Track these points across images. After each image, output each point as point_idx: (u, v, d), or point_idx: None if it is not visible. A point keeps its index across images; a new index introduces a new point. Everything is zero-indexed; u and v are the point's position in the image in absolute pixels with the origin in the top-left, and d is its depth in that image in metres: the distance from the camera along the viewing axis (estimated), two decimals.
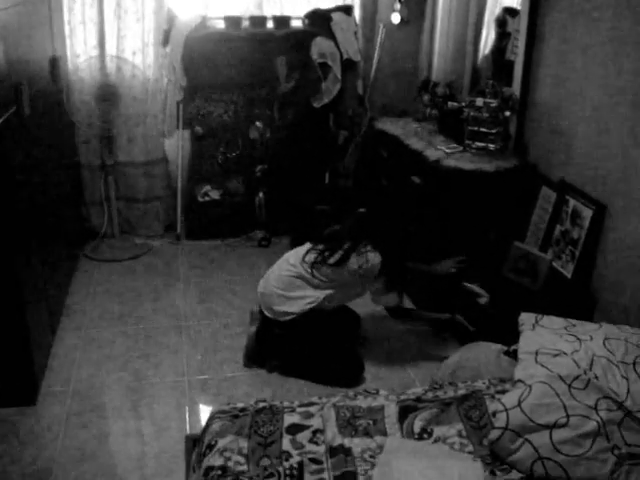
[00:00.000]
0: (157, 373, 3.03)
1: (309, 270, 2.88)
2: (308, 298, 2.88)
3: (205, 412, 2.76)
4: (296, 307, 2.88)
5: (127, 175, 4.43)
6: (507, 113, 3.40)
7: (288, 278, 2.93)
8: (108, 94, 4.00)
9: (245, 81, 4.32)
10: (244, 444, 1.89)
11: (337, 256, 2.84)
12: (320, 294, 2.88)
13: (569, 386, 1.90)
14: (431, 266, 3.18)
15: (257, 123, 4.39)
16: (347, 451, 1.86)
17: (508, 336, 2.47)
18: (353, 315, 3.29)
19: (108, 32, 4.09)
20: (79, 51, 4.10)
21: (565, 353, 2.09)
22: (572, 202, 2.97)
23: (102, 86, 4.00)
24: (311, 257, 2.90)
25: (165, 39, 4.17)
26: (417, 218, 3.17)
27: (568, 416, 1.82)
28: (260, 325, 3.06)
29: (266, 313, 2.98)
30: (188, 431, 2.63)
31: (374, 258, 2.81)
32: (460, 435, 1.94)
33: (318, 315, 2.90)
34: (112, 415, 2.74)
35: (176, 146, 4.46)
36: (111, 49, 4.12)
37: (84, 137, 4.26)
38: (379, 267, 2.81)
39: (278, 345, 3.02)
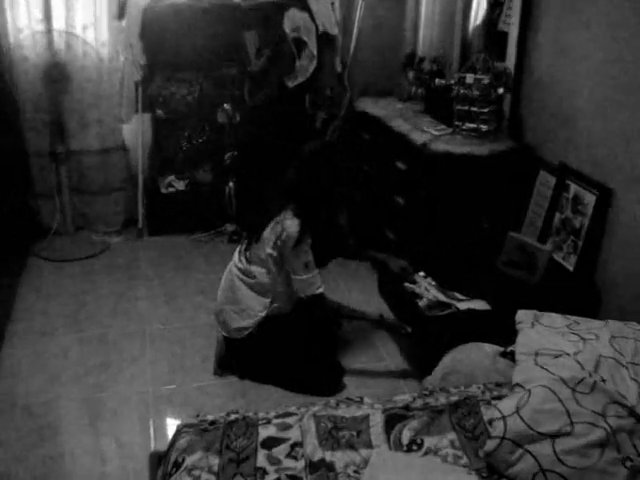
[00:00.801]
0: (117, 384, 3.00)
1: (242, 263, 2.91)
2: (257, 306, 2.90)
3: (171, 426, 2.73)
4: (249, 319, 2.90)
5: (81, 165, 4.38)
6: (500, 90, 3.40)
7: (231, 286, 2.97)
8: (57, 75, 3.95)
9: (211, 59, 4.29)
10: (215, 461, 1.87)
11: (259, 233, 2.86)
12: (266, 299, 2.89)
13: (573, 390, 1.89)
14: (386, 257, 3.20)
15: (225, 105, 4.37)
16: (329, 466, 1.85)
17: (504, 336, 2.46)
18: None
19: (55, 3, 4.00)
20: (22, 25, 3.99)
21: (568, 354, 2.09)
22: (573, 187, 2.98)
23: (50, 66, 3.93)
24: (242, 248, 2.96)
25: (120, 12, 4.10)
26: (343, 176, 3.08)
27: (572, 423, 1.81)
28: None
29: (224, 334, 3.01)
30: (153, 448, 2.60)
31: (291, 225, 2.76)
32: (453, 446, 1.93)
33: (282, 321, 2.92)
34: (67, 432, 2.70)
35: (135, 132, 4.42)
36: (59, 23, 4.03)
37: (31, 123, 4.19)
38: (297, 235, 2.75)
39: (247, 354, 3.00)
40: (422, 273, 3.14)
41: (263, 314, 2.89)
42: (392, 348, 3.29)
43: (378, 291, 3.34)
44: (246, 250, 2.94)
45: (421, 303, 2.96)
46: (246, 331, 2.91)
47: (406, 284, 3.08)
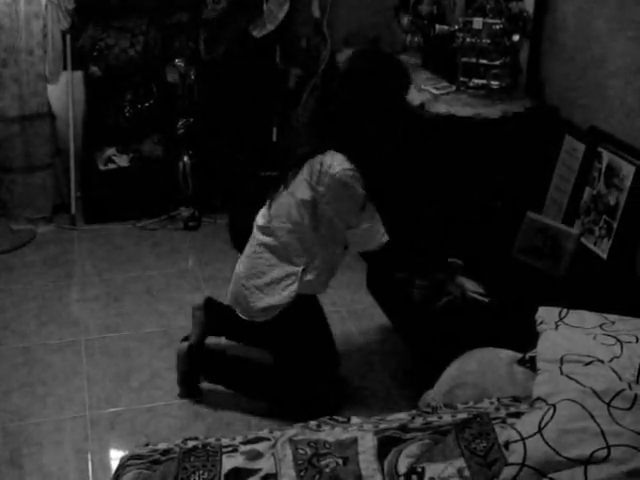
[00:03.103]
0: (45, 408, 2.99)
1: (265, 218, 2.88)
2: (285, 279, 2.84)
3: (115, 458, 2.73)
4: (277, 297, 2.85)
5: None
6: (516, 38, 3.39)
7: (253, 257, 2.92)
8: None
9: (158, 2, 4.28)
10: None
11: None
12: (296, 267, 2.83)
13: (608, 405, 1.89)
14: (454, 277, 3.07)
15: (176, 61, 4.36)
16: None
17: (522, 339, 2.47)
18: None
19: None
20: None
21: (601, 360, 2.09)
22: (607, 155, 2.98)
23: None
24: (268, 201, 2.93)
25: None
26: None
27: (609, 447, 1.81)
28: (200, 335, 3.05)
29: (243, 317, 2.95)
30: None
31: (335, 161, 2.70)
32: (461, 475, 1.92)
33: (311, 306, 2.94)
34: None
35: (64, 94, 4.39)
36: None
37: None
38: (346, 173, 2.68)
39: (274, 340, 2.99)
40: None
41: (294, 287, 2.82)
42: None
43: (366, 286, 3.35)
44: (271, 202, 2.89)
45: (415, 293, 2.98)
46: (274, 311, 2.85)
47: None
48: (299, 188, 2.79)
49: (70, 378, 3.16)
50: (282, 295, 2.85)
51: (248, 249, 2.98)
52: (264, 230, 2.90)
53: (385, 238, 2.81)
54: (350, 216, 2.78)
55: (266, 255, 2.88)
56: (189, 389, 3.06)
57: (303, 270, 2.84)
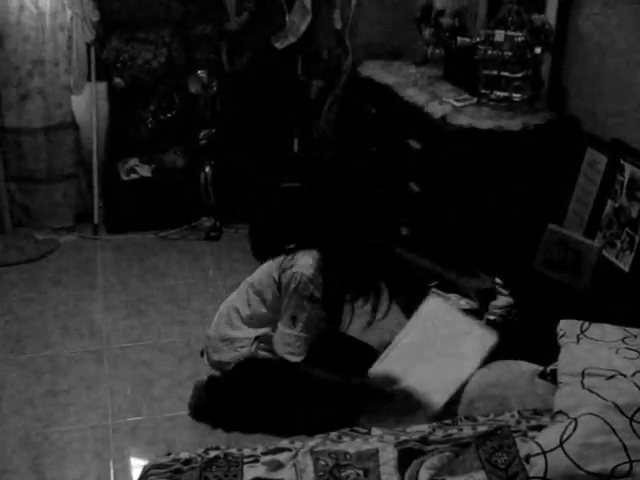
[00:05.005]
0: (68, 417, 2.99)
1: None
2: (242, 338, 2.89)
3: (136, 468, 2.73)
4: (233, 353, 2.90)
5: (21, 146, 4.37)
6: (538, 50, 3.39)
7: (234, 301, 2.97)
8: None
9: (180, 14, 4.31)
10: None
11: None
12: (251, 333, 2.87)
13: (631, 420, 1.89)
14: (456, 278, 3.13)
15: (199, 72, 4.38)
16: None
17: (544, 352, 2.47)
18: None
19: None
20: None
21: (623, 374, 2.08)
22: (629, 168, 2.97)
23: None
24: None
25: None
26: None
27: (631, 462, 1.81)
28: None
29: (208, 365, 3.00)
30: None
31: (304, 265, 2.74)
32: None
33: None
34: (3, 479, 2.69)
35: (88, 105, 4.42)
36: None
37: None
38: (306, 279, 2.71)
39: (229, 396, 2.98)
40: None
41: (245, 350, 2.86)
42: None
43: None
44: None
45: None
46: (227, 367, 2.90)
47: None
48: (274, 269, 2.83)
49: (92, 387, 3.17)
50: (236, 354, 2.88)
51: (236, 294, 2.99)
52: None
53: (293, 359, 2.78)
54: (284, 312, 2.79)
55: (233, 315, 2.92)
56: (201, 417, 3.01)
57: (256, 338, 2.86)
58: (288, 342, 2.78)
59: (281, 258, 2.82)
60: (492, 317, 2.95)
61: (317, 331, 2.93)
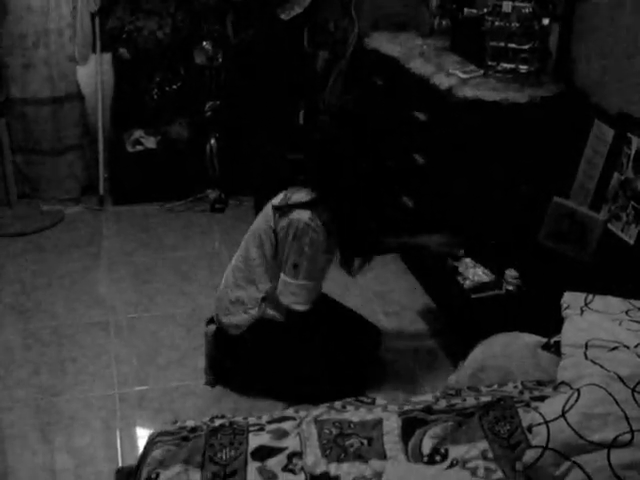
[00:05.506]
0: (75, 386, 3.02)
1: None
2: (247, 300, 2.87)
3: (143, 436, 2.74)
4: (239, 316, 2.89)
5: (26, 117, 4.37)
6: (545, 21, 3.37)
7: (236, 260, 2.94)
8: None
9: None
10: (196, 476, 1.88)
11: None
12: (258, 293, 2.84)
13: (633, 390, 1.89)
14: (417, 238, 3.13)
15: (204, 43, 4.36)
16: None
17: (547, 324, 2.47)
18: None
19: None
20: None
21: (626, 346, 2.09)
22: (636, 141, 2.96)
23: None
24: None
25: None
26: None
27: (632, 431, 1.81)
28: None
29: (218, 324, 3.00)
30: (120, 463, 2.62)
31: (300, 212, 2.70)
32: (485, 457, 1.94)
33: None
34: (13, 447, 2.71)
35: (93, 76, 4.40)
36: None
37: None
38: (304, 225, 2.67)
39: (239, 358, 2.99)
40: (462, 251, 3.17)
41: (254, 312, 2.86)
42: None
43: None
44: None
45: (465, 283, 3.01)
46: (238, 330, 2.89)
47: (449, 261, 3.10)
48: (270, 217, 2.79)
49: (99, 357, 3.20)
50: (244, 317, 2.87)
51: (238, 252, 2.97)
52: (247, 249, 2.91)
53: (299, 307, 2.76)
54: (286, 262, 2.76)
55: (242, 272, 2.90)
56: (217, 377, 3.04)
57: (263, 298, 2.85)
58: (293, 291, 2.75)
59: (277, 200, 2.78)
60: (510, 287, 2.98)
61: (324, 277, 2.93)
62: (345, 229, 2.80)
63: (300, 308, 2.76)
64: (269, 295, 2.84)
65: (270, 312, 2.85)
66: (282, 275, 2.77)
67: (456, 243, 3.09)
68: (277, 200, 2.79)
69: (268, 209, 2.82)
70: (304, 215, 2.69)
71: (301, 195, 2.74)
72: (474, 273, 3.07)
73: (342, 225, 2.78)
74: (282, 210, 2.74)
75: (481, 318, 2.89)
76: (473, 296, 2.96)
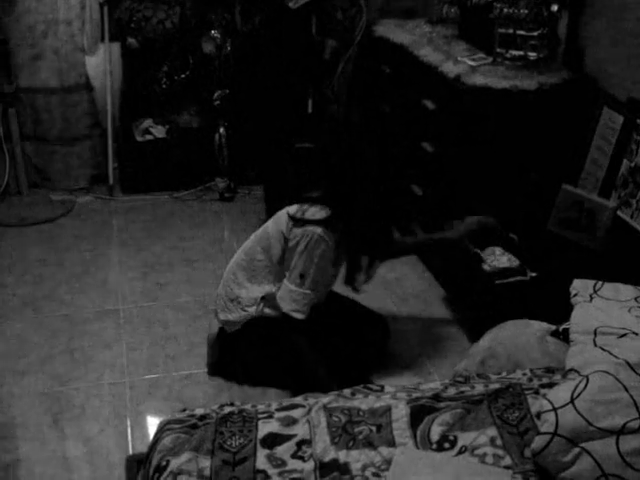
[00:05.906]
0: (86, 374, 3.03)
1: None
2: (245, 298, 2.88)
3: (153, 423, 2.76)
4: (236, 313, 2.90)
5: (36, 107, 4.38)
6: (554, 8, 3.35)
7: (237, 258, 2.95)
8: None
9: None
10: (206, 463, 1.89)
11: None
12: (257, 292, 2.85)
13: None
14: (433, 234, 3.14)
15: (213, 32, 4.35)
16: (343, 468, 1.87)
17: (556, 311, 2.47)
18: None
19: None
20: None
21: (635, 333, 2.09)
22: None
23: None
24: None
25: None
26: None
27: None
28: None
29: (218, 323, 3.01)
30: (130, 450, 2.64)
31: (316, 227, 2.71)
32: (493, 444, 1.94)
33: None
34: (25, 435, 2.73)
35: (102, 66, 4.40)
36: None
37: None
38: (318, 237, 2.68)
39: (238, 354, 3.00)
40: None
41: (252, 310, 2.86)
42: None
43: None
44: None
45: (486, 267, 3.03)
46: (233, 327, 2.92)
47: (470, 247, 3.11)
48: (283, 224, 2.79)
49: (109, 345, 3.21)
50: (241, 315, 2.88)
51: (240, 251, 2.97)
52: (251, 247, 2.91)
53: (298, 315, 2.75)
54: (292, 270, 2.75)
55: (244, 271, 2.90)
56: (217, 371, 3.05)
57: (262, 298, 2.86)
58: (295, 299, 2.75)
59: (292, 210, 2.78)
60: (534, 274, 2.97)
61: (326, 290, 2.95)
62: (356, 247, 2.84)
63: (298, 316, 2.77)
64: (269, 296, 2.85)
65: (267, 311, 2.87)
66: (285, 282, 2.78)
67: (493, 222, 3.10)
68: (293, 210, 2.78)
69: (282, 215, 2.82)
70: (318, 229, 2.70)
71: (316, 210, 2.74)
72: (498, 260, 3.07)
73: (354, 244, 2.81)
74: (297, 220, 2.74)
75: (504, 304, 2.89)
76: (497, 281, 2.96)
